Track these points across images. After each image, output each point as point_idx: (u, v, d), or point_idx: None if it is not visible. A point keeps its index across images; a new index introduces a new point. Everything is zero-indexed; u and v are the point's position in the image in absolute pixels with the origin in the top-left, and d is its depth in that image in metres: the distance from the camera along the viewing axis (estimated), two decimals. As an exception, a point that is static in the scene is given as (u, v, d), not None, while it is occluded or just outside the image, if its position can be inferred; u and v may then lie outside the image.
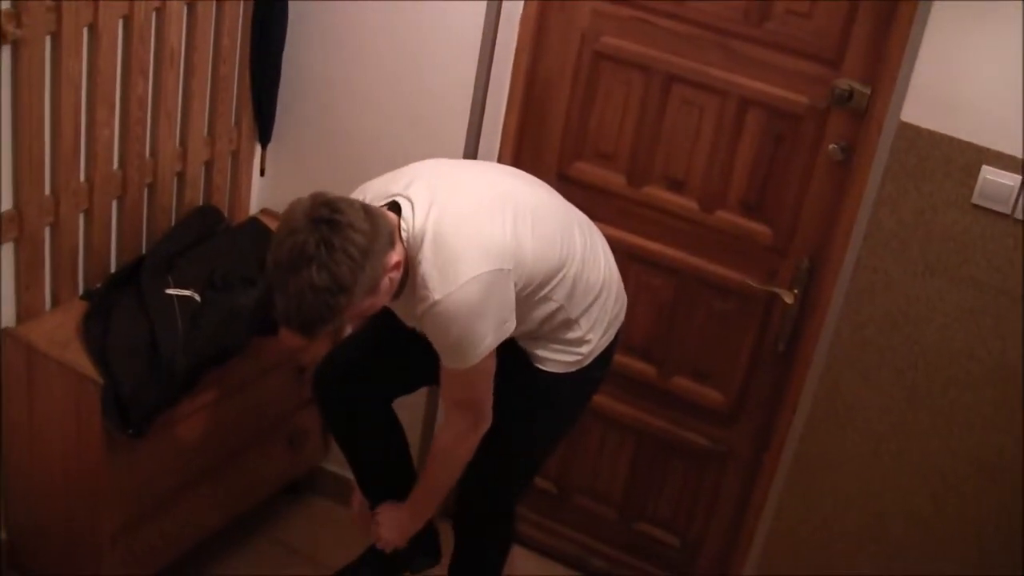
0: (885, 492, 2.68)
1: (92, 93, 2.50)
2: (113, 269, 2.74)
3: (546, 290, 2.25)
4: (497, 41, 2.70)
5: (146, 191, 2.76)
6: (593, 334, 2.36)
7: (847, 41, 2.46)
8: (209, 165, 2.91)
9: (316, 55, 2.90)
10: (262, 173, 3.08)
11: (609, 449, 3.06)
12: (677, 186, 2.74)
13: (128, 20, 2.52)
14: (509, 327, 2.19)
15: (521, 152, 2.84)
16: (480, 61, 2.72)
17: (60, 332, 2.55)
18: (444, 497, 2.48)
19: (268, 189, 3.09)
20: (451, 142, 2.80)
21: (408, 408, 2.70)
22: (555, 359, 2.35)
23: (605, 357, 2.43)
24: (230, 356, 2.64)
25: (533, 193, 2.31)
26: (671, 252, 2.80)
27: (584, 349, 2.36)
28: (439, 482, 2.42)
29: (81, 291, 2.68)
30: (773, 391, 2.79)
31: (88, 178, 2.58)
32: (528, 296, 2.22)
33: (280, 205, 2.62)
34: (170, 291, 2.64)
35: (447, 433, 2.33)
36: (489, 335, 2.15)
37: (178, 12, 2.63)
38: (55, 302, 2.63)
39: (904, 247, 2.48)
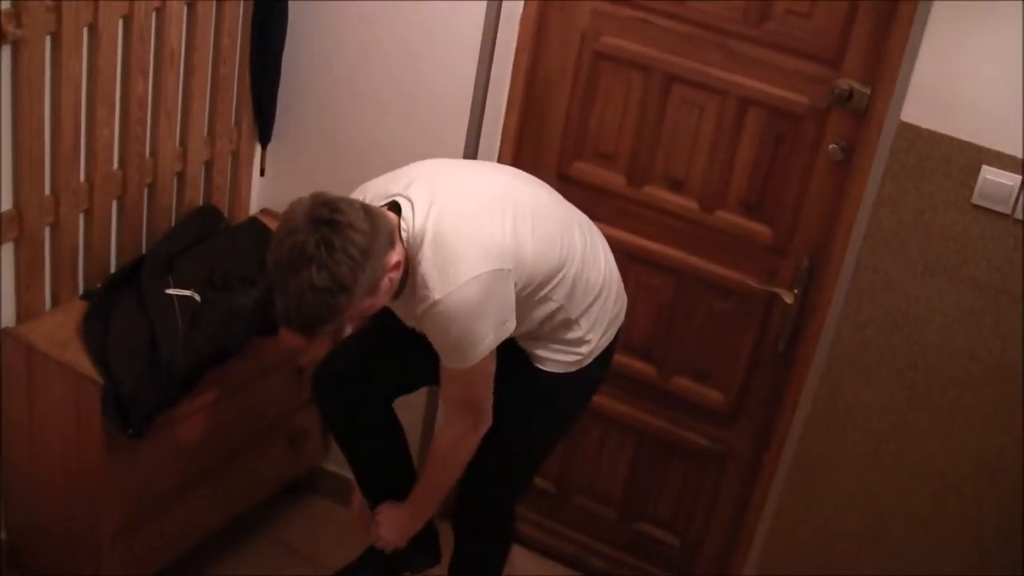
0: (885, 492, 2.68)
1: (92, 93, 2.50)
2: (113, 269, 2.74)
3: (546, 290, 2.25)
4: (497, 41, 2.70)
5: (146, 191, 2.76)
6: (593, 334, 2.36)
7: (847, 41, 2.46)
8: (209, 165, 2.91)
9: (316, 55, 2.90)
10: (262, 173, 3.08)
11: (609, 449, 3.06)
12: (677, 186, 2.74)
13: (128, 20, 2.52)
14: (509, 327, 2.19)
15: (521, 152, 2.84)
16: (480, 61, 2.72)
17: (60, 332, 2.55)
18: (444, 497, 2.48)
19: (268, 189, 3.09)
20: (451, 142, 2.80)
21: (408, 408, 2.70)
22: (555, 359, 2.35)
23: (605, 357, 2.43)
24: (230, 356, 2.64)
25: (533, 193, 2.31)
26: (671, 252, 2.80)
27: (584, 349, 2.36)
28: (439, 482, 2.42)
29: (81, 291, 2.68)
30: (773, 391, 2.79)
31: (88, 178, 2.58)
32: (528, 296, 2.22)
33: (280, 205, 2.62)
34: (170, 291, 2.64)
35: (447, 433, 2.33)
36: (489, 335, 2.15)
37: (178, 12, 2.63)
38: (55, 302, 2.63)
39: (904, 247, 2.48)
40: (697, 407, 2.91)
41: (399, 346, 2.42)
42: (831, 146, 2.54)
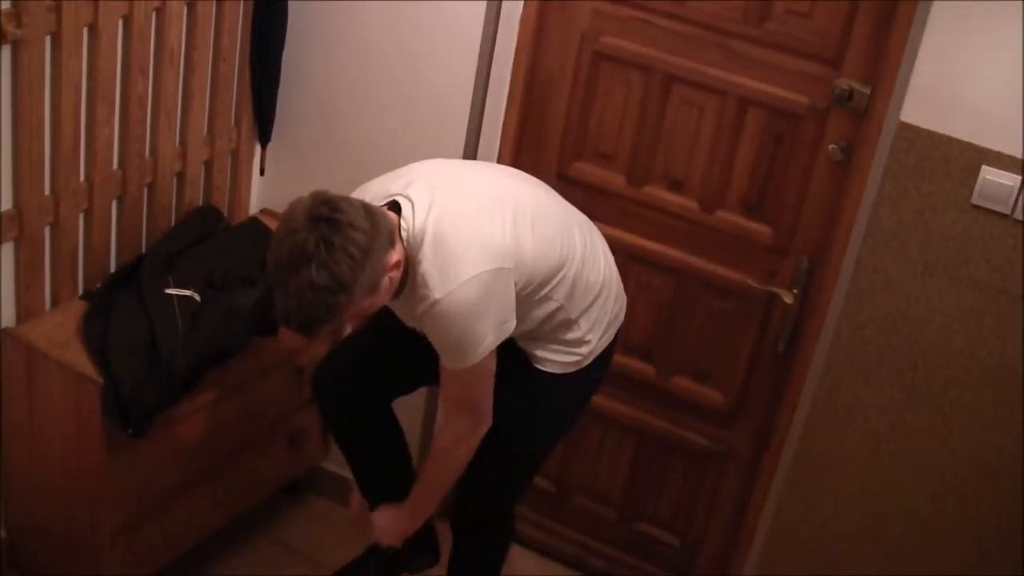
0: (885, 492, 2.68)
1: (92, 93, 2.50)
2: (113, 269, 2.74)
3: (546, 290, 2.25)
4: (497, 41, 2.70)
5: (146, 191, 2.76)
6: (593, 334, 2.36)
7: (847, 41, 2.46)
8: (209, 165, 2.91)
9: (316, 55, 2.90)
10: (262, 173, 3.08)
11: (609, 449, 3.06)
12: (677, 186, 2.74)
13: (128, 20, 2.52)
14: (509, 327, 2.19)
15: (521, 152, 2.84)
16: (480, 61, 2.72)
17: (60, 332, 2.55)
18: (443, 497, 2.48)
19: (268, 189, 3.09)
20: (451, 142, 2.80)
21: (408, 408, 2.70)
22: (555, 359, 2.35)
23: (605, 357, 2.43)
24: (230, 356, 2.64)
25: (532, 193, 2.32)
26: (671, 252, 2.80)
27: (584, 349, 2.36)
28: (439, 482, 2.42)
29: (81, 291, 2.68)
30: (773, 391, 2.79)
31: (88, 178, 2.58)
32: (528, 296, 2.22)
33: (280, 205, 2.62)
34: (170, 291, 2.64)
35: (447, 434, 2.33)
36: (489, 335, 2.15)
37: (178, 12, 2.63)
38: (55, 302, 2.63)
39: (904, 247, 2.48)
40: (697, 407, 2.91)
41: (399, 346, 2.42)
42: (831, 146, 2.54)
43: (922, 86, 2.35)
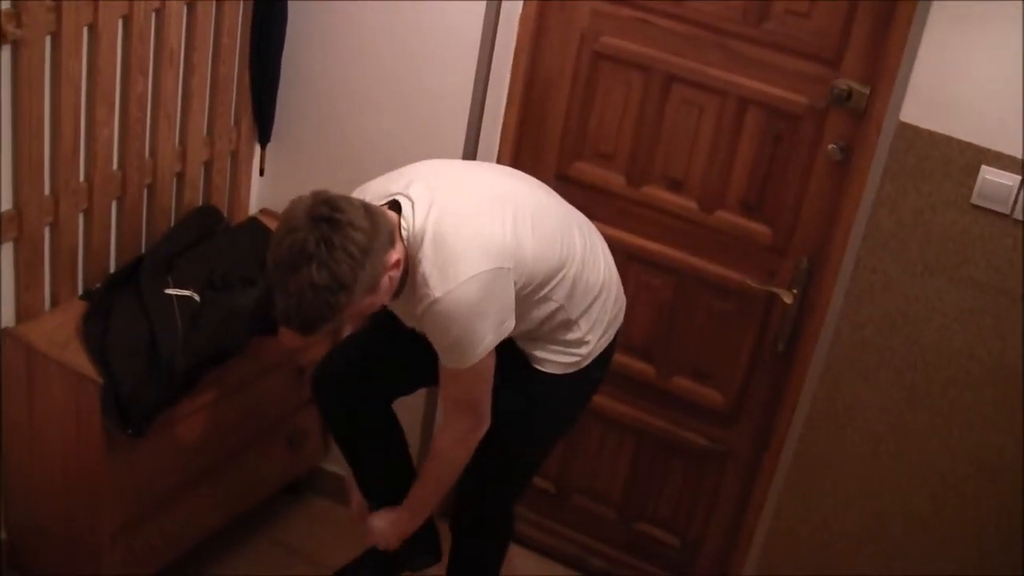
0: (884, 492, 2.68)
1: (92, 93, 2.51)
2: (112, 269, 2.74)
3: (546, 290, 2.25)
4: (496, 41, 2.70)
5: (145, 191, 2.76)
6: (592, 335, 2.36)
7: (846, 41, 2.46)
8: (208, 165, 2.92)
9: (316, 55, 2.90)
10: (261, 173, 3.08)
11: (609, 449, 3.06)
12: (676, 186, 2.74)
13: (128, 20, 2.52)
14: (508, 327, 2.19)
15: (520, 152, 2.84)
16: (479, 61, 2.72)
17: (60, 332, 2.55)
18: (443, 497, 2.48)
19: (267, 189, 3.09)
20: (450, 142, 2.80)
21: (408, 408, 2.70)
22: (554, 360, 2.35)
23: (604, 358, 2.43)
24: (230, 356, 2.64)
25: (532, 194, 2.32)
26: (671, 252, 2.80)
27: (583, 350, 2.36)
28: (438, 483, 2.42)
29: (80, 291, 2.68)
30: (773, 391, 2.79)
31: (88, 178, 2.58)
32: (528, 296, 2.22)
33: (279, 205, 2.62)
34: (169, 291, 2.64)
35: (447, 434, 2.33)
36: (489, 334, 2.15)
37: (178, 12, 2.63)
38: (55, 302, 2.63)
39: (903, 247, 2.48)
40: (697, 407, 2.91)
41: (399, 347, 2.42)
42: (830, 146, 2.54)
43: (921, 86, 2.35)
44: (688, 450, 2.97)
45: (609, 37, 2.67)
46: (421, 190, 2.16)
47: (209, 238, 2.86)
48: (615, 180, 2.79)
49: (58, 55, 2.39)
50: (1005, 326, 2.44)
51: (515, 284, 2.17)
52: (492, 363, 2.22)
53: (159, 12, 2.59)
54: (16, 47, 2.31)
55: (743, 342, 2.80)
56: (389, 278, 2.08)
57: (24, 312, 2.56)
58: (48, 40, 2.37)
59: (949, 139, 2.37)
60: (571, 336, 2.34)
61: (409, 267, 2.14)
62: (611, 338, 2.43)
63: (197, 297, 2.65)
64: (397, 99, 2.85)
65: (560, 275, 2.26)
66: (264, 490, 3.03)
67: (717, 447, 2.93)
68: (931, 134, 2.38)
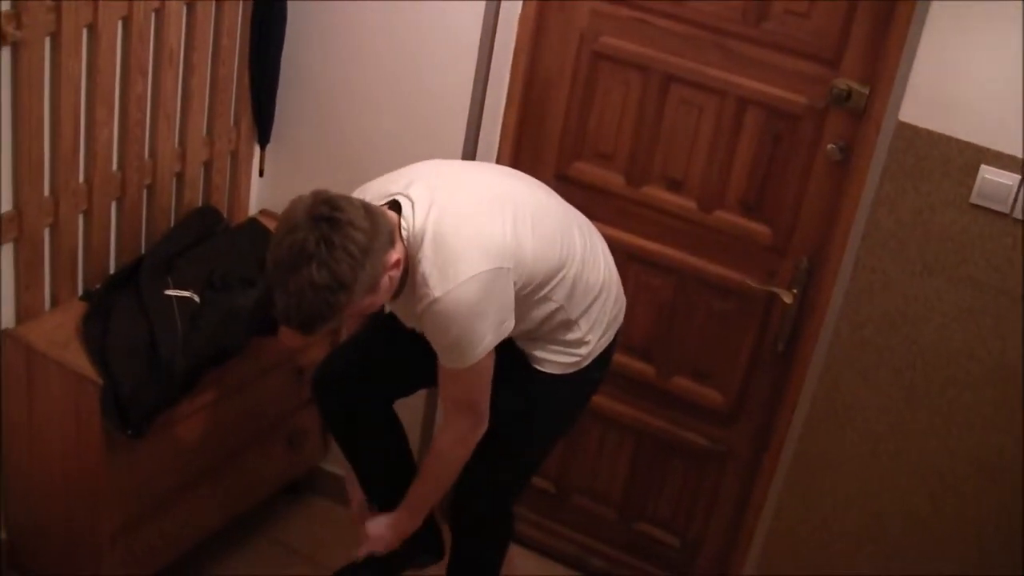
0: (884, 492, 2.68)
1: (91, 93, 2.51)
2: (112, 270, 2.74)
3: (546, 290, 2.25)
4: (496, 41, 2.70)
5: (145, 192, 2.76)
6: (592, 335, 2.36)
7: (845, 41, 2.46)
8: (208, 166, 2.92)
9: (315, 55, 2.90)
10: (261, 174, 3.08)
11: (608, 449, 3.06)
12: (676, 186, 2.74)
13: (127, 20, 2.52)
14: (508, 327, 2.19)
15: (520, 152, 2.84)
16: (479, 61, 2.72)
17: (59, 332, 2.56)
18: (441, 497, 2.48)
19: (267, 190, 3.09)
20: (450, 142, 2.80)
21: (408, 409, 2.70)
22: (554, 360, 2.35)
23: (604, 358, 2.43)
24: (229, 357, 2.65)
25: (532, 194, 2.32)
26: (670, 252, 2.80)
27: (583, 350, 2.36)
28: (437, 483, 2.42)
29: (80, 292, 2.68)
30: (772, 391, 2.80)
31: (87, 179, 2.59)
32: (528, 296, 2.22)
33: (279, 206, 2.62)
34: (169, 292, 2.64)
35: (447, 435, 2.33)
36: (488, 334, 2.15)
37: (177, 12, 2.64)
38: (54, 303, 2.63)
39: (902, 247, 2.48)
40: (697, 407, 2.91)
41: (399, 347, 2.42)
42: (829, 146, 2.54)
43: (921, 85, 2.35)
44: (688, 450, 2.97)
45: (608, 37, 2.67)
46: (421, 190, 2.16)
47: (209, 239, 2.86)
48: (614, 180, 2.79)
49: (58, 56, 2.39)
50: (1005, 326, 2.44)
51: (515, 284, 2.17)
52: (491, 363, 2.22)
53: (159, 12, 2.59)
54: (16, 48, 2.31)
55: (743, 342, 2.80)
56: (389, 278, 2.08)
57: (24, 313, 2.57)
58: (48, 41, 2.37)
59: (948, 139, 2.37)
60: (571, 336, 2.34)
61: (409, 267, 2.14)
62: (611, 338, 2.43)
63: (197, 298, 2.65)
64: (397, 99, 2.85)
65: (560, 275, 2.26)
66: (264, 490, 3.03)
67: (717, 447, 2.93)
68: (930, 134, 2.38)
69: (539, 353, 2.34)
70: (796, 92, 2.54)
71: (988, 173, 2.35)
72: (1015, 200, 2.35)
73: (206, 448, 2.74)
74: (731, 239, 2.73)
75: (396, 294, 2.17)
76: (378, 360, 2.52)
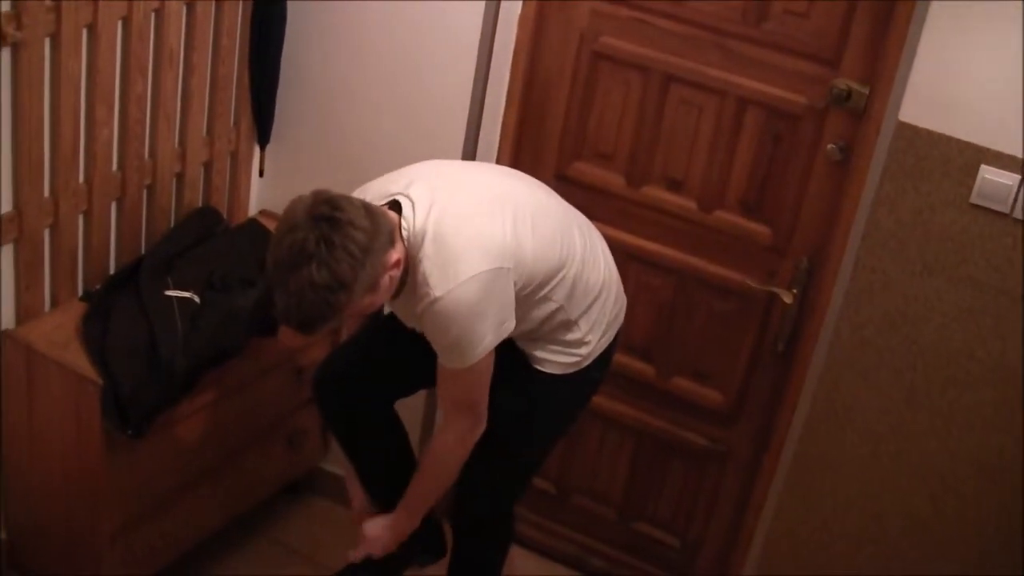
0: (884, 493, 2.68)
1: (91, 94, 2.51)
2: (112, 270, 2.74)
3: (546, 290, 2.25)
4: (496, 41, 2.70)
5: (145, 192, 2.76)
6: (592, 335, 2.36)
7: (845, 41, 2.46)
8: (208, 166, 2.92)
9: (315, 55, 2.90)
10: (261, 174, 3.08)
11: (608, 449, 3.06)
12: (676, 186, 2.74)
13: (127, 20, 2.52)
14: (508, 327, 2.19)
15: (520, 152, 2.84)
16: (479, 61, 2.72)
17: (59, 333, 2.56)
18: (440, 497, 2.48)
19: (267, 190, 3.09)
20: (450, 142, 2.80)
21: (408, 409, 2.70)
22: (554, 360, 2.35)
23: (604, 358, 2.43)
24: (229, 357, 2.65)
25: (532, 194, 2.32)
26: (670, 252, 2.80)
27: (583, 351, 2.36)
28: (436, 483, 2.42)
29: (80, 292, 2.68)
30: (772, 391, 2.79)
31: (87, 179, 2.59)
32: (528, 296, 2.22)
33: (279, 206, 2.62)
34: (169, 292, 2.64)
35: (447, 435, 2.33)
36: (488, 334, 2.15)
37: (177, 12, 2.64)
38: (54, 303, 2.63)
39: (902, 247, 2.48)
40: (697, 407, 2.91)
41: (399, 347, 2.42)
42: (829, 146, 2.54)
43: (921, 85, 2.35)
44: (688, 450, 2.97)
45: (608, 37, 2.67)
46: (421, 190, 2.16)
47: (209, 239, 2.86)
48: (615, 180, 2.79)
49: (58, 56, 2.40)
50: (1005, 326, 2.44)
51: (515, 284, 2.17)
52: (491, 363, 2.22)
53: (158, 12, 2.59)
54: (16, 48, 2.31)
55: (743, 342, 2.80)
56: (389, 277, 2.09)
57: (24, 313, 2.57)
58: (48, 41, 2.37)
59: (948, 138, 2.37)
60: (571, 336, 2.34)
61: (409, 267, 2.14)
62: (611, 338, 2.43)
63: (197, 298, 2.65)
64: (397, 99, 2.85)
65: (560, 275, 2.26)
66: (264, 490, 3.03)
67: (717, 447, 2.93)
68: (930, 133, 2.38)
69: (539, 353, 2.34)
70: (796, 92, 2.54)
71: (988, 173, 2.35)
72: (1015, 200, 2.35)
73: (206, 448, 2.74)
74: (731, 239, 2.72)
75: (396, 294, 2.17)
76: (378, 360, 2.52)
